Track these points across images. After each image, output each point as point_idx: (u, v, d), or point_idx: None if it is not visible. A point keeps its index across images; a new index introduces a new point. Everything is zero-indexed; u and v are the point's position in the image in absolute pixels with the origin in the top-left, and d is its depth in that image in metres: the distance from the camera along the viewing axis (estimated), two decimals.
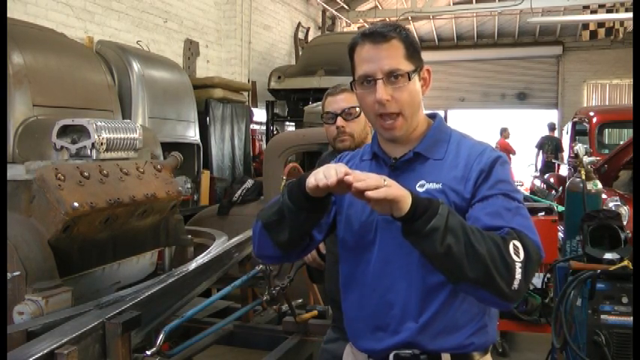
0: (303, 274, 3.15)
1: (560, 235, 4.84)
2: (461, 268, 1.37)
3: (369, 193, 1.32)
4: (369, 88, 1.57)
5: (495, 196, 1.52)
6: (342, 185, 1.37)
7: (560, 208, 5.07)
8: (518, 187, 1.64)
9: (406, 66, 1.57)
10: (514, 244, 1.41)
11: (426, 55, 1.67)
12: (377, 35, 1.57)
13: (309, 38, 12.30)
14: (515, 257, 1.39)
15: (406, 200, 1.36)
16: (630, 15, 11.90)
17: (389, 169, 1.62)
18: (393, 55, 1.56)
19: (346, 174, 1.36)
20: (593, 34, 14.21)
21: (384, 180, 1.34)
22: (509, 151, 12.93)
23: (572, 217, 3.93)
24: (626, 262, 3.24)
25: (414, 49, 1.60)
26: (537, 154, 12.59)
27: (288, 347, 3.10)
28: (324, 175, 1.39)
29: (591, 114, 8.56)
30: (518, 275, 1.39)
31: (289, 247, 1.64)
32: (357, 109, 2.43)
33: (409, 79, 1.56)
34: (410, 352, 1.58)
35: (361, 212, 1.64)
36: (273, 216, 1.59)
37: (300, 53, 11.13)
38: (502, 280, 1.38)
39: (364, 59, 1.58)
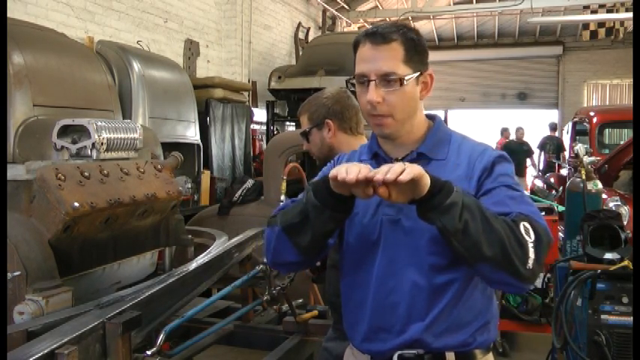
0: (303, 274, 3.14)
1: (561, 235, 4.84)
2: (478, 245, 1.38)
3: (401, 177, 1.30)
4: (364, 88, 1.59)
5: (499, 188, 1.54)
6: (361, 187, 1.38)
7: (561, 208, 5.08)
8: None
9: (403, 70, 1.56)
10: (524, 225, 1.43)
11: None
12: (377, 36, 1.57)
13: (310, 38, 12.30)
14: (526, 237, 1.42)
15: (427, 177, 1.36)
16: (630, 15, 11.89)
17: None
18: (390, 58, 1.56)
19: (367, 178, 1.36)
20: (594, 34, 14.22)
21: (404, 164, 1.35)
22: None
23: (572, 217, 3.93)
24: (626, 262, 3.24)
25: (415, 52, 1.59)
26: (539, 155, 12.58)
27: (288, 347, 3.10)
28: (345, 170, 1.38)
29: (591, 114, 8.56)
30: (531, 254, 1.41)
31: (310, 251, 1.60)
32: (307, 130, 2.44)
33: (401, 84, 1.56)
34: (414, 352, 1.58)
35: (363, 214, 1.64)
36: (295, 217, 1.56)
37: (301, 53, 11.12)
38: (517, 258, 1.40)
39: (362, 58, 1.60)
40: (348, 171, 1.37)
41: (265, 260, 1.77)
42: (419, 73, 1.60)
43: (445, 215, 1.37)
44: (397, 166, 1.33)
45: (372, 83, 1.55)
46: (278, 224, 1.60)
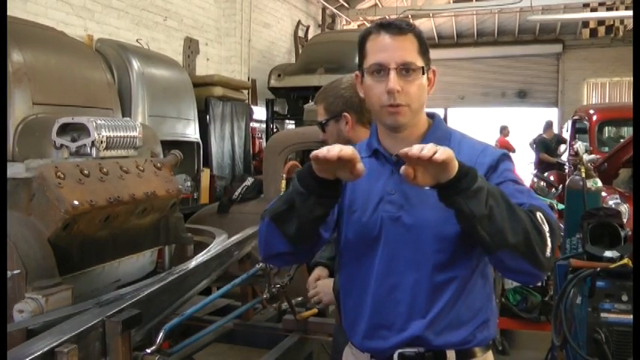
0: (303, 272, 3.14)
1: (560, 233, 4.84)
2: (502, 232, 1.38)
3: (436, 156, 1.29)
4: (380, 78, 1.58)
5: (506, 182, 1.55)
6: (347, 168, 1.38)
7: (560, 206, 5.08)
8: None
9: (419, 62, 1.59)
10: (540, 215, 1.44)
11: None
12: (394, 27, 1.59)
13: (309, 36, 12.30)
14: (544, 226, 1.42)
15: (456, 160, 1.35)
16: (630, 13, 11.89)
17: (392, 166, 1.63)
18: (409, 49, 1.58)
19: (354, 158, 1.36)
20: (593, 32, 14.23)
21: (436, 145, 1.33)
22: (509, 149, 12.91)
23: (572, 215, 3.93)
24: (626, 260, 3.24)
25: (425, 47, 1.62)
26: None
27: (288, 345, 3.10)
28: (327, 149, 1.38)
29: (591, 112, 8.56)
30: (549, 243, 1.42)
31: (299, 240, 1.58)
32: (324, 121, 2.39)
33: (423, 73, 1.58)
34: (415, 350, 1.59)
35: (363, 211, 1.63)
36: (282, 206, 1.55)
37: (300, 51, 11.12)
38: (538, 246, 1.40)
39: (379, 49, 1.59)
40: (329, 149, 1.37)
41: (259, 254, 1.75)
42: (428, 67, 1.63)
43: (472, 200, 1.36)
44: (430, 146, 1.32)
45: (393, 72, 1.55)
46: (267, 215, 1.60)
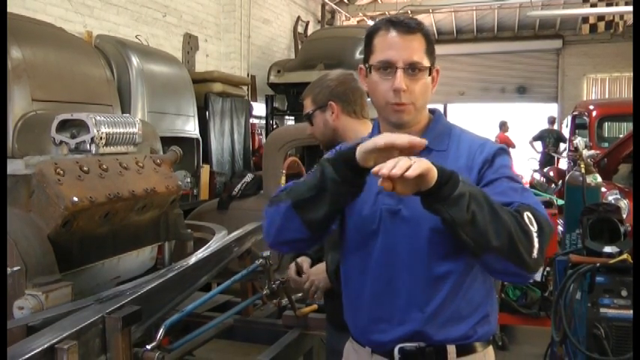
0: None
1: (560, 228, 4.84)
2: (486, 235, 1.38)
3: (408, 173, 1.29)
4: (386, 76, 1.59)
5: (500, 179, 1.55)
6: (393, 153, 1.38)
7: (560, 202, 5.08)
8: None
9: (426, 61, 1.60)
10: (527, 215, 1.44)
11: None
12: (404, 25, 1.59)
13: (309, 32, 12.28)
14: (531, 227, 1.42)
15: (434, 170, 1.35)
16: (630, 8, 11.86)
17: None
18: (417, 48, 1.59)
19: (411, 144, 1.36)
20: (593, 28, 14.16)
21: (410, 158, 1.33)
22: (508, 144, 12.89)
23: (571, 210, 3.94)
24: (625, 256, 3.25)
25: (432, 47, 1.63)
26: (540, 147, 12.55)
27: (288, 341, 3.10)
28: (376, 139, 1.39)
29: (591, 107, 8.56)
30: (536, 244, 1.42)
31: (319, 228, 1.58)
32: (310, 112, 2.41)
33: (430, 74, 1.60)
34: (415, 345, 1.59)
35: (362, 204, 1.64)
36: (308, 192, 1.53)
37: (300, 47, 11.11)
38: (523, 248, 1.40)
39: (388, 46, 1.59)
40: (380, 137, 1.39)
41: (266, 239, 1.72)
42: (433, 66, 1.64)
43: (453, 207, 1.37)
44: (404, 161, 1.31)
45: (400, 71, 1.56)
46: (285, 201, 1.57)
